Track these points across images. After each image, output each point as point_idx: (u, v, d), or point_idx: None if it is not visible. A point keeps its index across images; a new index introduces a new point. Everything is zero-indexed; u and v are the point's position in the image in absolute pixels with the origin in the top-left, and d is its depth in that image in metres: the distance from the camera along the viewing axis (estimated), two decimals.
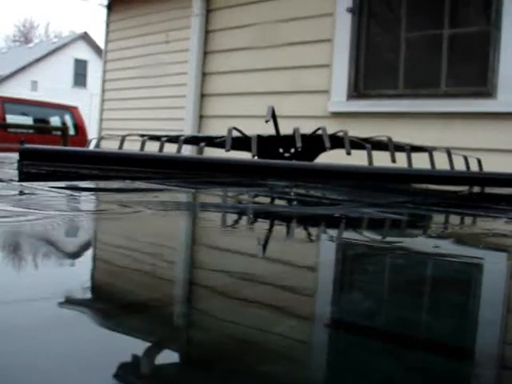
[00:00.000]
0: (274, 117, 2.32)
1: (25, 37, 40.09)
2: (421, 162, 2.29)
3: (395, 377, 0.32)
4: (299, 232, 0.97)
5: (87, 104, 18.32)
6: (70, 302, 0.42)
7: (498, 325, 0.46)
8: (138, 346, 0.33)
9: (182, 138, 2.35)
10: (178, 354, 0.34)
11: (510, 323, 0.47)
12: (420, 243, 0.86)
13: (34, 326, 0.35)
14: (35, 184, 1.27)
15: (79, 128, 9.71)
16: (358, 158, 2.13)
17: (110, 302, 0.43)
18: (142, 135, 2.49)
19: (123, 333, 0.36)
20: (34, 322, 0.36)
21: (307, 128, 2.40)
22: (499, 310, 0.51)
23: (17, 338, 0.32)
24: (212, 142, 2.50)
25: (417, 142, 2.64)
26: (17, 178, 1.50)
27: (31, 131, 8.73)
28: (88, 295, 0.46)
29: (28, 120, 9.32)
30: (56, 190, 1.16)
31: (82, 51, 27.44)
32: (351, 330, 0.41)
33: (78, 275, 0.52)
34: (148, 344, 0.34)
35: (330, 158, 2.39)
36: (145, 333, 0.36)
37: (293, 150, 2.31)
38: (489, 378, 0.33)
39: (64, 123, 9.27)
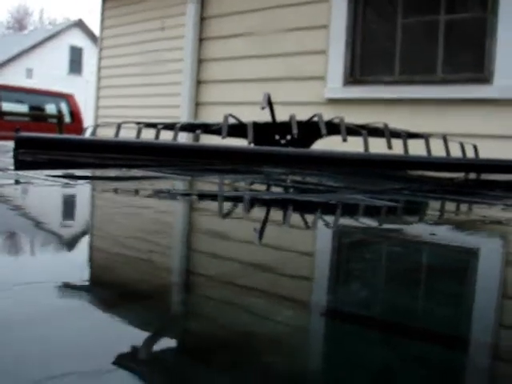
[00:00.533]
0: (270, 103, 2.31)
1: (19, 24, 39.76)
2: (417, 148, 2.29)
3: (394, 365, 0.32)
4: (294, 219, 0.97)
5: (83, 91, 18.23)
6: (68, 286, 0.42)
7: (494, 312, 0.46)
8: (139, 336, 0.33)
9: (178, 125, 2.34)
10: (178, 343, 0.35)
11: (506, 311, 0.47)
12: (416, 230, 0.87)
13: (33, 315, 0.35)
14: (31, 173, 1.27)
15: (75, 116, 9.67)
16: (354, 145, 2.13)
17: (110, 290, 0.44)
18: (138, 123, 2.48)
19: (124, 322, 0.36)
20: (33, 310, 0.36)
21: (303, 115, 2.39)
22: (495, 298, 0.52)
23: (16, 328, 0.32)
24: (208, 129, 2.49)
25: (413, 129, 2.64)
26: (13, 167, 1.50)
27: (27, 119, 8.69)
28: (87, 283, 0.46)
29: (23, 108, 9.28)
30: (52, 178, 1.16)
31: (77, 38, 27.24)
32: (349, 317, 0.41)
33: (79, 263, 0.52)
34: (148, 333, 0.34)
35: (326, 144, 2.38)
36: (145, 322, 0.36)
37: (289, 137, 2.30)
38: (485, 367, 0.34)
39: (60, 111, 9.22)
